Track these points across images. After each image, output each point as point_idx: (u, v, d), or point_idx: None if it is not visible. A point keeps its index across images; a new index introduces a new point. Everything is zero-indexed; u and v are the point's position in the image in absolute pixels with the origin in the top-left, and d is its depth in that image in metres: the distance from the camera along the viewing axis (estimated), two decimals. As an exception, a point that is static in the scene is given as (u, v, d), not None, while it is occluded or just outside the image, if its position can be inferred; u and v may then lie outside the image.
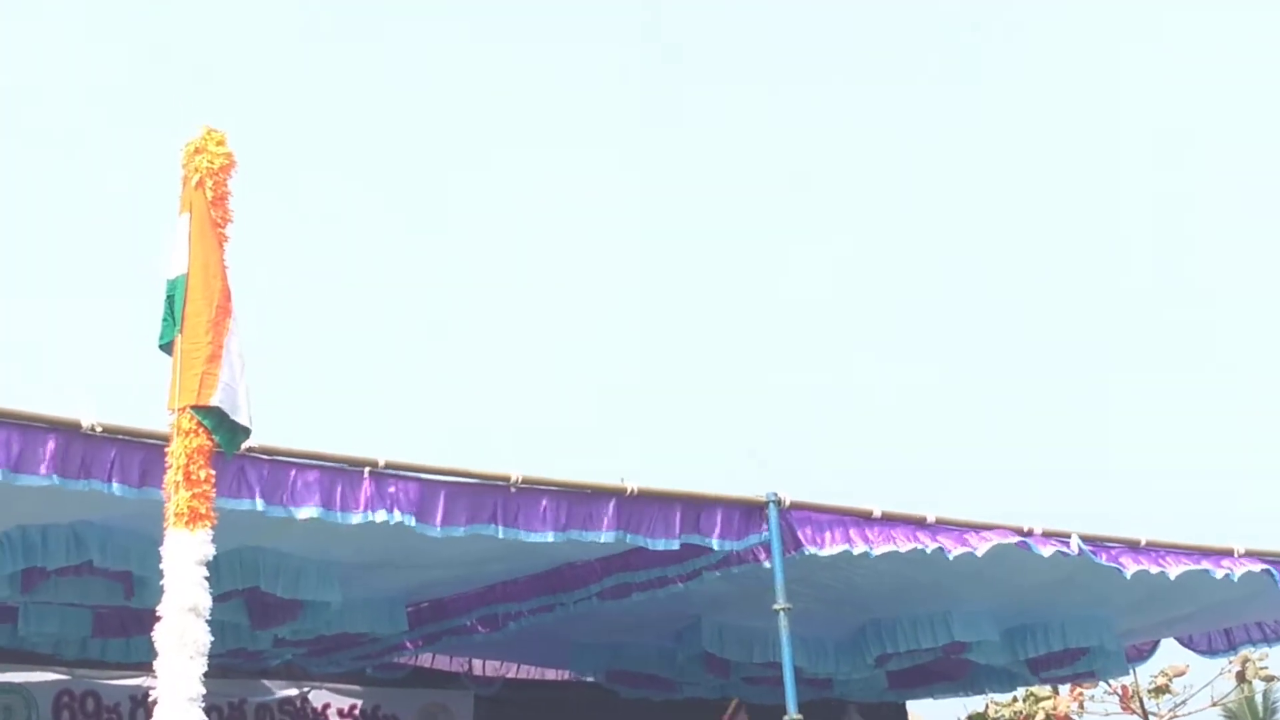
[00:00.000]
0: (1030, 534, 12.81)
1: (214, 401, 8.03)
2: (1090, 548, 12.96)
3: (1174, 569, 13.26)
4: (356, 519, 10.62)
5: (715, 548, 12.01)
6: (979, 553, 12.45)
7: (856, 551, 12.15)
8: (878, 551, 12.19)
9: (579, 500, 11.47)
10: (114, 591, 11.45)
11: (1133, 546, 13.33)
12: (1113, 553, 13.15)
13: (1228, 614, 15.17)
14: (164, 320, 8.15)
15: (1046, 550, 12.65)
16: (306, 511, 10.39)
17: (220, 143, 8.20)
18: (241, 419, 8.15)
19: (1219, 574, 13.43)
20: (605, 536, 11.52)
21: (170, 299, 8.14)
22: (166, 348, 8.20)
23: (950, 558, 12.37)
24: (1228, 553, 13.71)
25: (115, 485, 9.69)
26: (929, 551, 12.29)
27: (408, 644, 14.67)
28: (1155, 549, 13.38)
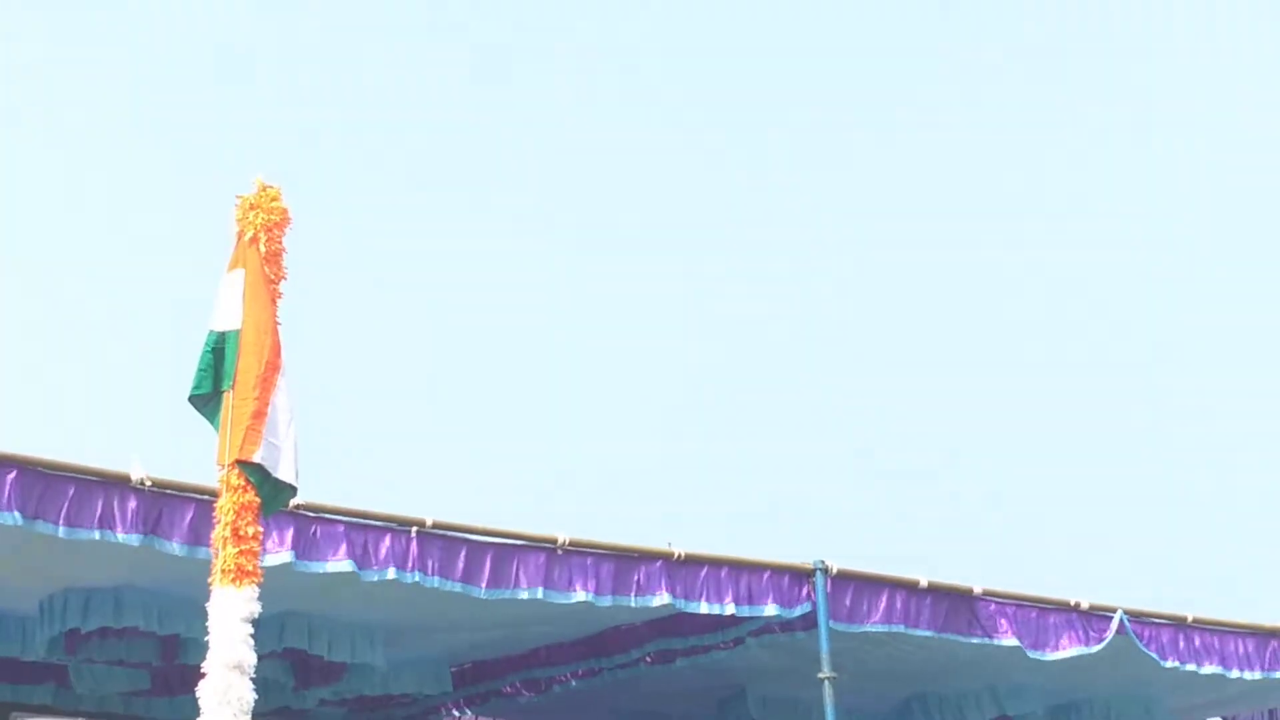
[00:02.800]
0: (1076, 608, 12.79)
1: (256, 458, 8.03)
2: (1134, 626, 12.93)
3: (1206, 668, 13.25)
4: (404, 579, 10.62)
5: (762, 614, 11.95)
6: (1026, 654, 12.54)
7: (899, 630, 12.18)
8: (926, 634, 12.25)
9: (625, 563, 11.44)
10: (159, 652, 11.46)
11: (1179, 624, 13.25)
12: (1155, 632, 13.09)
13: (1272, 695, 15.03)
14: (199, 371, 8.15)
15: (1091, 649, 12.70)
16: (344, 566, 10.39)
17: (275, 198, 8.23)
18: (285, 476, 8.14)
19: (1249, 675, 13.48)
20: (651, 600, 11.48)
21: (214, 352, 8.15)
22: (198, 400, 8.19)
23: (997, 644, 12.45)
24: (1275, 632, 13.61)
25: (164, 541, 9.73)
26: (976, 644, 12.35)
27: (452, 705, 14.62)
28: (1201, 627, 13.31)
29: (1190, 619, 13.33)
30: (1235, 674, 13.51)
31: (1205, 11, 27.70)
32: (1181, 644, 13.21)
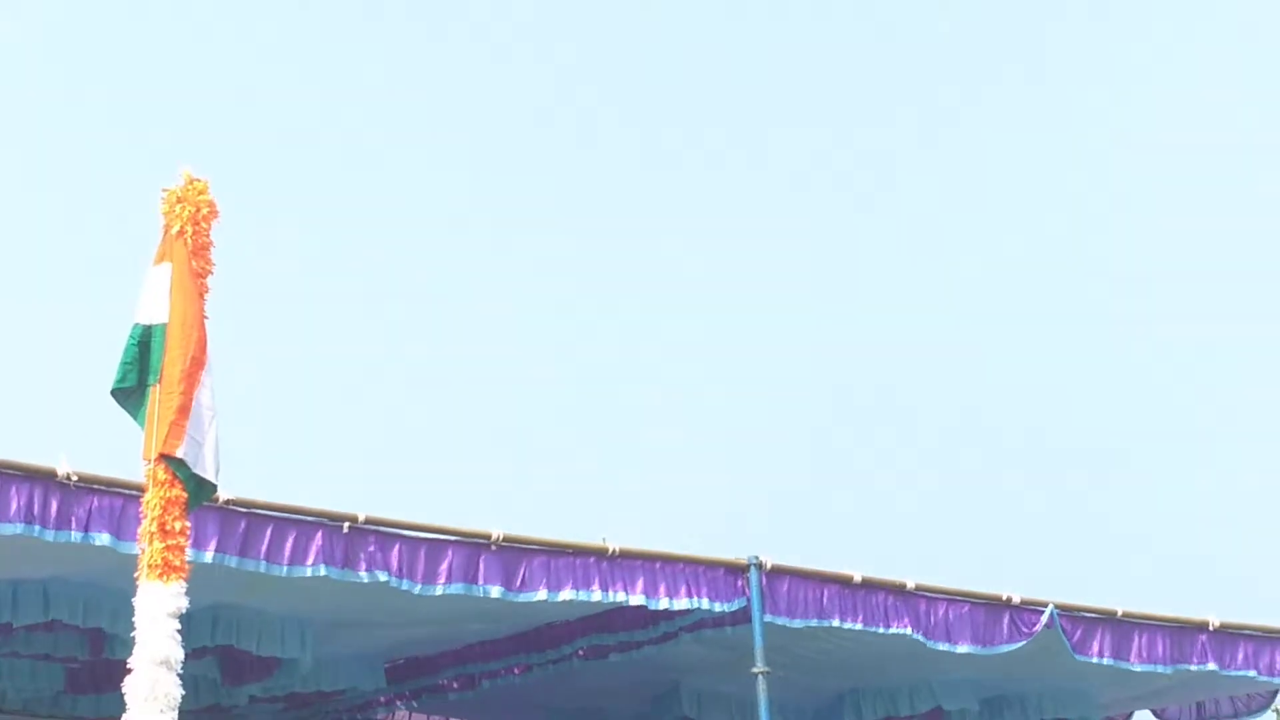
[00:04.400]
0: (1008, 603, 12.86)
1: (179, 454, 7.97)
2: (1065, 620, 13.03)
3: (1133, 663, 13.41)
4: (335, 575, 10.57)
5: (696, 609, 11.96)
6: (958, 650, 12.64)
7: (833, 625, 12.21)
8: (857, 627, 12.28)
9: (559, 559, 11.43)
10: (84, 646, 11.36)
11: (1109, 618, 13.35)
12: (1085, 627, 13.20)
13: (1201, 689, 15.15)
14: (123, 365, 8.07)
15: (1020, 644, 12.76)
16: (280, 568, 10.34)
17: (202, 191, 8.14)
18: (206, 473, 8.08)
19: (1176, 669, 13.61)
20: (584, 595, 11.47)
21: (139, 345, 8.07)
22: (120, 394, 8.12)
23: (931, 647, 12.53)
24: (1203, 626, 13.73)
25: (91, 535, 9.65)
26: (911, 637, 12.39)
27: (385, 701, 14.56)
28: (1131, 621, 13.41)
29: (1120, 613, 13.43)
30: (1160, 669, 13.61)
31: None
32: (1109, 638, 13.30)
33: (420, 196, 27.84)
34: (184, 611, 8.09)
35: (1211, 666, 13.79)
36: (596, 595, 11.54)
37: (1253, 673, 14.03)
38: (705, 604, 11.92)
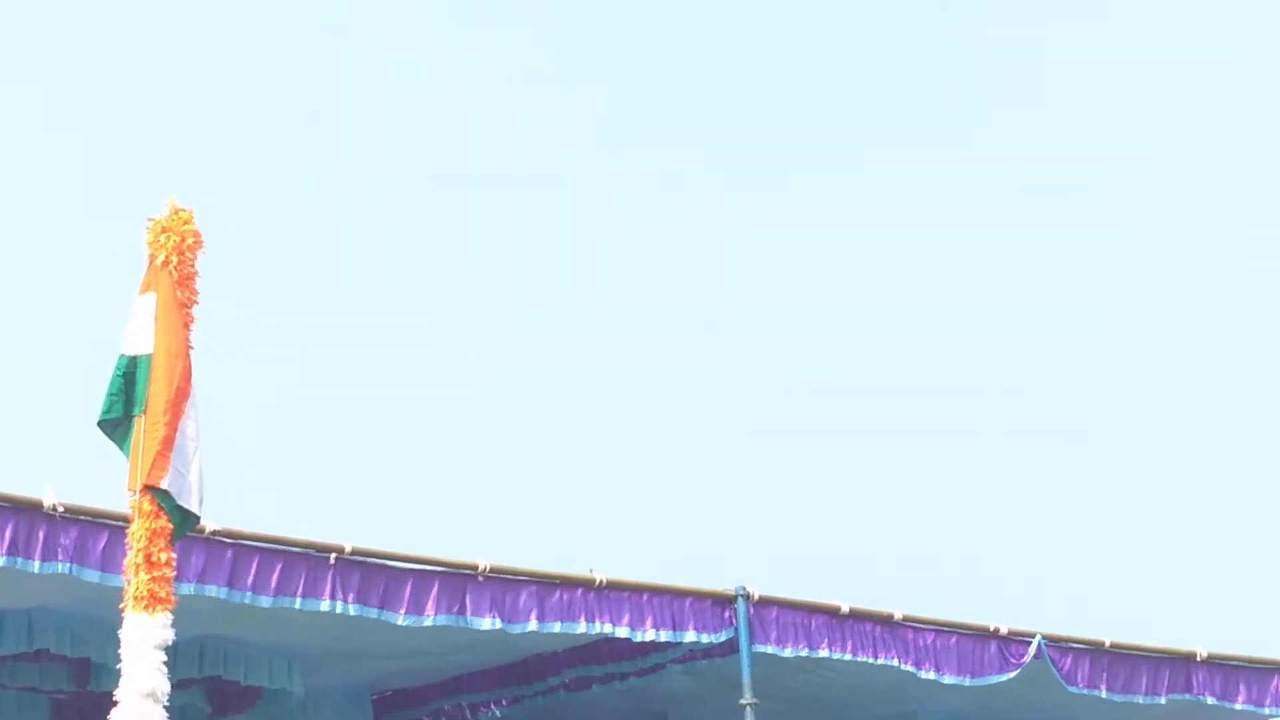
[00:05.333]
0: (996, 634, 12.87)
1: (163, 485, 7.97)
2: (1052, 651, 13.04)
3: (1120, 694, 13.42)
4: (322, 606, 10.56)
5: (684, 640, 11.97)
6: (946, 681, 12.66)
7: (821, 655, 12.21)
8: (845, 658, 12.29)
9: (546, 590, 11.43)
10: (70, 678, 11.34)
11: (1096, 648, 13.36)
12: (1072, 658, 13.20)
13: (1186, 718, 15.16)
14: (109, 396, 8.08)
15: (1009, 675, 12.78)
16: (267, 599, 10.34)
17: (187, 221, 8.16)
18: (190, 505, 8.08)
19: (1162, 700, 13.60)
20: (574, 628, 11.47)
21: (124, 376, 8.07)
22: (107, 425, 8.12)
23: (920, 678, 12.54)
24: (1191, 657, 13.75)
25: (76, 567, 9.64)
26: (899, 668, 12.39)
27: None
28: (1118, 652, 13.43)
29: (1108, 644, 13.45)
30: (1149, 699, 13.62)
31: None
32: (1097, 669, 13.32)
33: (404, 208, 27.75)
34: (170, 643, 8.09)
35: (1200, 698, 13.80)
36: (583, 627, 11.53)
37: (1239, 705, 14.04)
38: (692, 635, 11.92)
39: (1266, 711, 14.50)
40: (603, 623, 11.62)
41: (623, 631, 11.69)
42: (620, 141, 28.62)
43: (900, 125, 28.12)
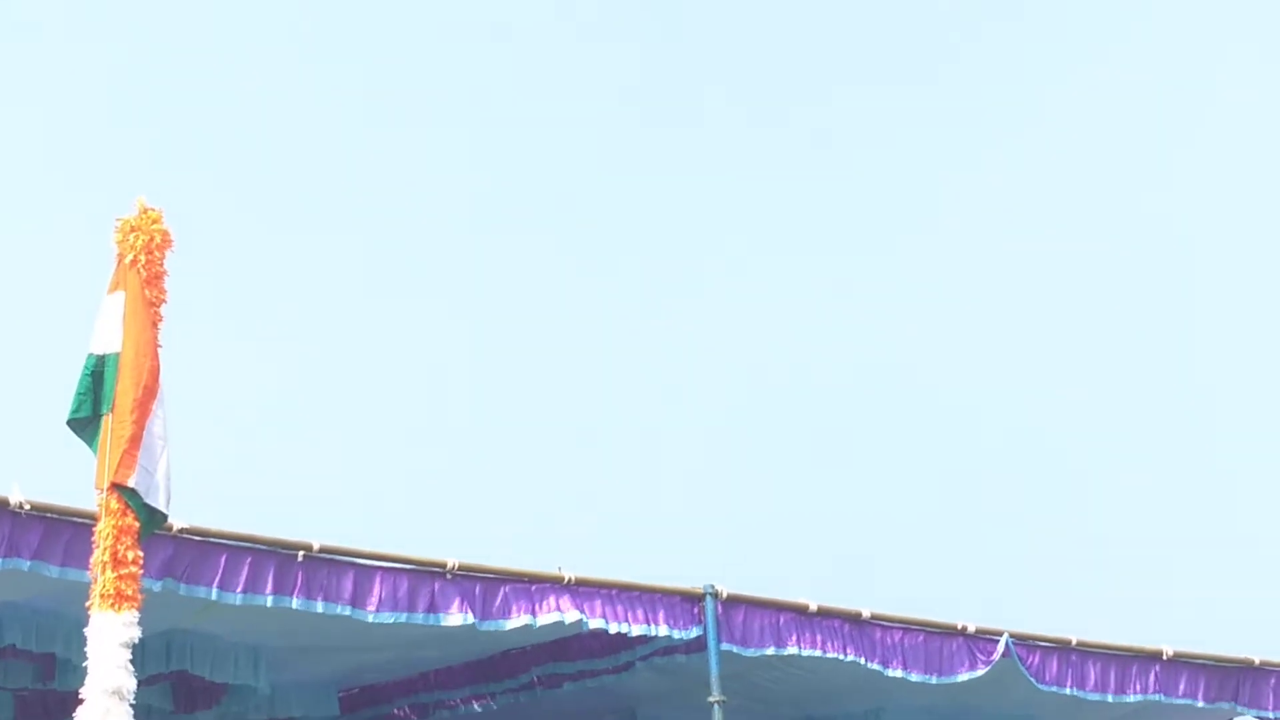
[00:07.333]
0: (963, 632, 12.91)
1: (130, 483, 7.97)
2: (1020, 649, 13.09)
3: (1088, 692, 13.49)
4: (291, 604, 10.56)
5: (653, 637, 11.98)
6: (914, 679, 12.70)
7: (789, 653, 12.23)
8: (814, 654, 12.31)
9: (516, 587, 11.43)
10: (35, 674, 11.30)
11: (1063, 647, 13.41)
12: (1040, 656, 13.26)
13: (1155, 717, 15.22)
14: (77, 395, 8.08)
15: (978, 672, 12.81)
16: (234, 596, 10.33)
17: (156, 220, 8.16)
18: (158, 503, 8.08)
19: (1131, 699, 13.67)
20: (540, 622, 11.48)
21: (93, 375, 8.07)
22: (76, 423, 8.12)
23: (888, 676, 12.57)
24: (1157, 655, 13.81)
25: (42, 564, 9.61)
26: (866, 666, 12.42)
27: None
28: (1086, 650, 13.48)
29: (1075, 642, 13.50)
30: (1116, 698, 13.68)
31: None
32: (1065, 667, 13.37)
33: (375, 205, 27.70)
34: (137, 641, 8.09)
35: (1166, 697, 13.86)
36: (551, 621, 11.53)
37: (1204, 703, 14.11)
38: (662, 630, 11.93)
39: (1230, 709, 14.59)
40: (572, 617, 11.62)
41: (594, 625, 11.69)
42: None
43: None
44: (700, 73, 29.02)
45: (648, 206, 28.19)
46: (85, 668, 8.11)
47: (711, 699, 11.81)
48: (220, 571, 10.34)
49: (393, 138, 27.96)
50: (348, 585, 10.84)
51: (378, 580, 10.97)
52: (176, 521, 9.69)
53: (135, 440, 7.96)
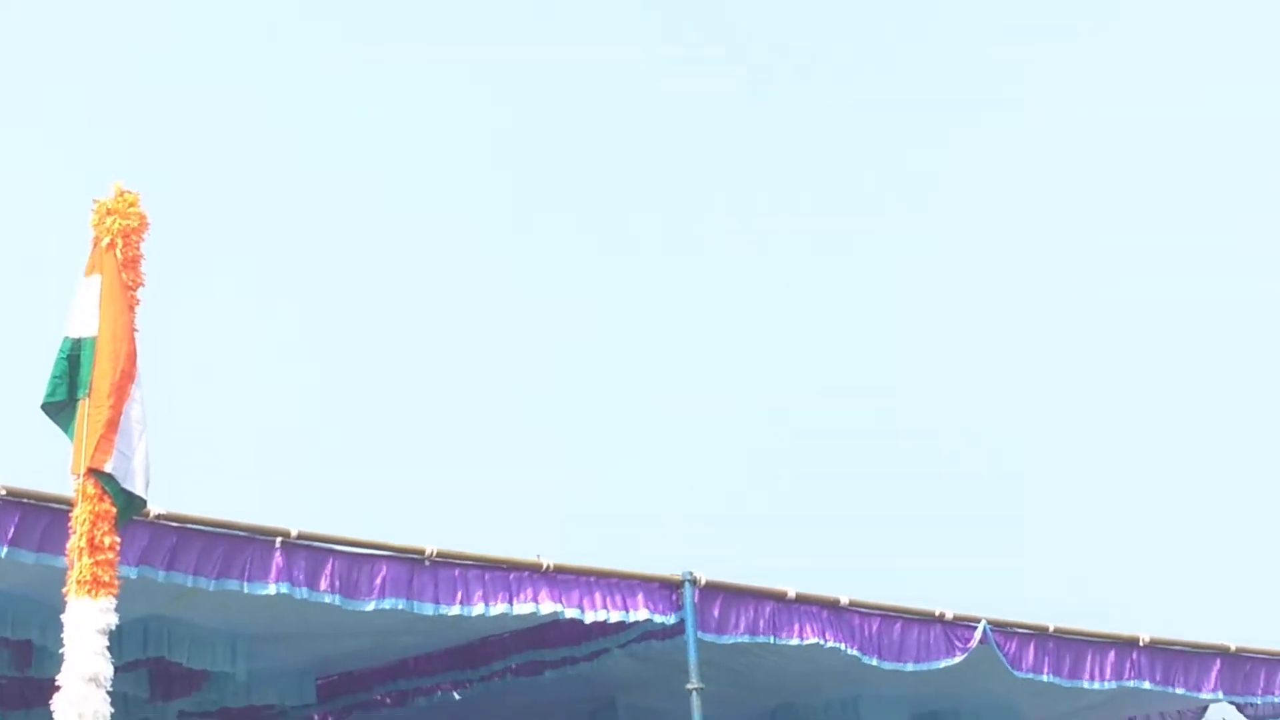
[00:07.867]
0: (941, 618, 12.95)
1: (107, 468, 7.93)
2: (996, 635, 13.12)
3: (1064, 679, 13.54)
4: (268, 590, 10.54)
5: (630, 624, 11.97)
6: (891, 667, 12.77)
7: (767, 640, 12.26)
8: (792, 641, 12.32)
9: (494, 574, 11.43)
10: (12, 661, 11.27)
11: (1040, 633, 13.45)
12: (1017, 642, 13.30)
13: (1131, 704, 15.28)
14: (53, 378, 8.04)
15: (955, 659, 12.84)
16: (213, 583, 10.31)
17: (133, 204, 8.11)
18: (136, 488, 8.04)
19: (1106, 685, 13.72)
20: (518, 610, 11.47)
21: (69, 359, 8.03)
22: (51, 407, 8.08)
23: (866, 663, 12.63)
24: (1134, 642, 13.86)
25: (16, 550, 9.58)
26: (845, 653, 12.46)
27: (317, 717, 14.48)
28: (1062, 636, 13.52)
29: (1052, 629, 13.55)
30: (1092, 684, 13.72)
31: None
32: (1041, 654, 13.41)
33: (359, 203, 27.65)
34: (114, 627, 8.06)
35: (1143, 683, 13.91)
36: (529, 609, 11.53)
37: (1181, 689, 14.16)
38: (641, 616, 11.93)
39: (1205, 696, 14.65)
40: (550, 605, 11.61)
41: (572, 613, 11.69)
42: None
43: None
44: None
45: (643, 205, 28.27)
46: (62, 654, 8.08)
47: (690, 686, 11.81)
48: (198, 557, 10.31)
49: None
50: (326, 572, 10.82)
51: (356, 567, 10.95)
52: (154, 507, 9.65)
53: (112, 425, 7.92)
